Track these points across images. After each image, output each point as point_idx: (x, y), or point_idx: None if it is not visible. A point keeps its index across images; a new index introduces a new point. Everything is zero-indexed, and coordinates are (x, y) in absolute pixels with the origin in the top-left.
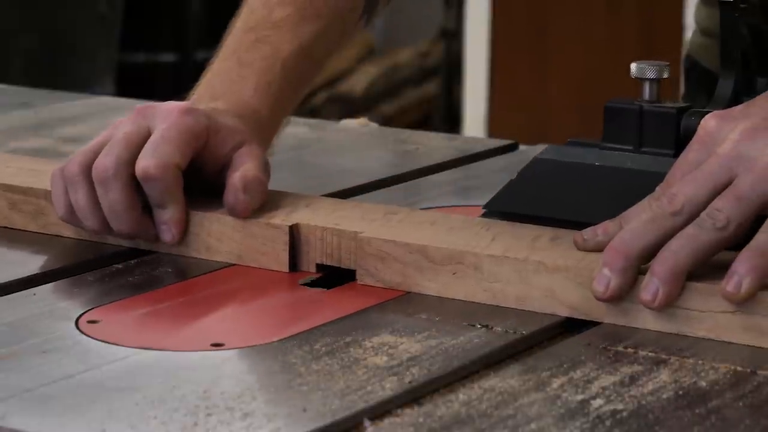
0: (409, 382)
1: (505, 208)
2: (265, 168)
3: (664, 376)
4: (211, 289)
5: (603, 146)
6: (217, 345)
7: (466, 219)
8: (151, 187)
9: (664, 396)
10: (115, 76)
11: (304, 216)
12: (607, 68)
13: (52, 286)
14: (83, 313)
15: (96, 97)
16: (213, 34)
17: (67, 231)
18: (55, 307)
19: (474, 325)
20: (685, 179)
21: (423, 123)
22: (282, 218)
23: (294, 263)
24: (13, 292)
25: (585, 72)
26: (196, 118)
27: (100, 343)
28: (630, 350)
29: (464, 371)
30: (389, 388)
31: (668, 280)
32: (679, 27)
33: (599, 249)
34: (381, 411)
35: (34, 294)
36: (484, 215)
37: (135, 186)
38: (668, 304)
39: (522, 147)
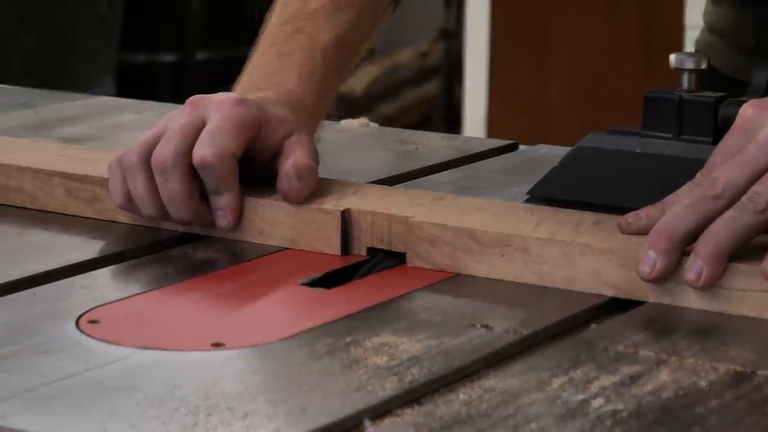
0: (410, 382)
1: (548, 193)
2: (315, 156)
3: (664, 376)
4: (210, 290)
5: (643, 134)
6: (217, 345)
7: (511, 204)
8: (208, 175)
9: (664, 396)
10: (115, 76)
11: (354, 202)
12: (607, 69)
13: (52, 286)
14: (84, 313)
15: (96, 97)
16: (213, 34)
17: (123, 217)
18: (55, 307)
19: (474, 325)
20: (725, 165)
21: (423, 123)
22: (333, 204)
23: (346, 247)
24: (13, 292)
25: (585, 73)
26: (248, 109)
27: (100, 343)
28: (630, 350)
29: (464, 371)
30: (389, 388)
31: (712, 260)
32: (680, 27)
33: (643, 232)
34: (381, 411)
35: (35, 294)
36: (527, 201)
37: (192, 175)
38: (712, 284)
39: (522, 147)
